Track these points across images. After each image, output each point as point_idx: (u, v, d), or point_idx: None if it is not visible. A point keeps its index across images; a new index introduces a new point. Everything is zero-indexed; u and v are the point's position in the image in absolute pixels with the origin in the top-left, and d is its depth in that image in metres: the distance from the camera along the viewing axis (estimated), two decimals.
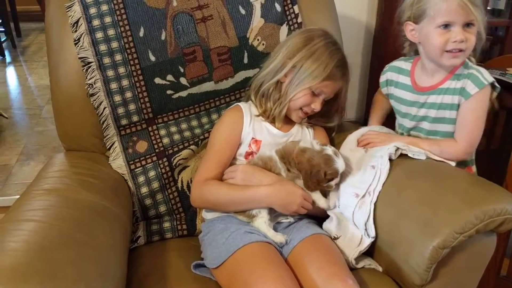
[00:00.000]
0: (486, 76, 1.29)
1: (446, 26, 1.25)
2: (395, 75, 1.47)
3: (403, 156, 1.33)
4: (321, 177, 1.26)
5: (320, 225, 1.33)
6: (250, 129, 1.38)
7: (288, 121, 1.44)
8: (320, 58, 1.32)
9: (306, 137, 1.44)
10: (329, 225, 1.30)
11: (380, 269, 1.25)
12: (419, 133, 1.43)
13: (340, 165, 1.28)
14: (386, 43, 2.06)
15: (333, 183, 1.29)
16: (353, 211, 1.28)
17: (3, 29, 4.60)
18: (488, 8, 2.11)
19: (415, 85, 1.41)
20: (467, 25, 1.24)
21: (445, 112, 1.35)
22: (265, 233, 1.25)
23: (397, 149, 1.33)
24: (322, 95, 1.36)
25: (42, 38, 4.87)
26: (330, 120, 1.49)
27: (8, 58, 4.46)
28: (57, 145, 2.81)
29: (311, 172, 1.26)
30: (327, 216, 1.35)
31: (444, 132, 1.38)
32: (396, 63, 1.49)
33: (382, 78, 1.51)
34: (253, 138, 1.37)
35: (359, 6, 2.09)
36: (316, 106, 1.37)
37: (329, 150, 1.29)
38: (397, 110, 1.48)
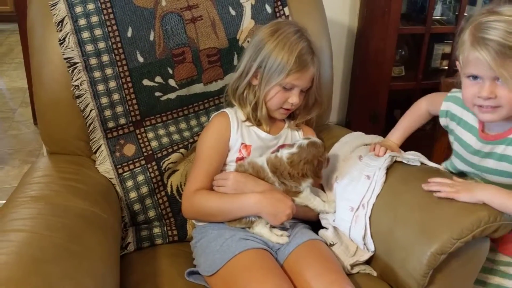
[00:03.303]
0: None
1: (475, 77, 1.09)
2: (459, 110, 1.23)
3: (396, 162, 1.30)
4: (323, 164, 1.27)
5: (315, 231, 1.31)
6: (238, 135, 1.34)
7: (277, 123, 1.41)
8: (281, 53, 1.27)
9: (296, 139, 1.41)
10: (326, 232, 1.29)
11: (375, 274, 1.24)
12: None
13: (319, 141, 1.29)
14: (367, 47, 2.07)
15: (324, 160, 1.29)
16: (350, 226, 1.26)
17: None
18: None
19: (481, 131, 1.18)
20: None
21: (507, 165, 1.15)
22: (268, 237, 1.22)
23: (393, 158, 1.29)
24: (295, 88, 1.31)
25: (12, 39, 4.72)
26: (310, 111, 1.42)
27: None
28: (32, 149, 2.74)
29: (316, 165, 1.25)
30: (319, 221, 1.34)
31: (498, 184, 1.16)
32: (460, 94, 1.19)
33: (443, 106, 1.27)
34: (242, 143, 1.34)
35: (341, 10, 2.10)
36: (294, 99, 1.31)
37: (305, 140, 1.27)
38: (455, 151, 1.27)
